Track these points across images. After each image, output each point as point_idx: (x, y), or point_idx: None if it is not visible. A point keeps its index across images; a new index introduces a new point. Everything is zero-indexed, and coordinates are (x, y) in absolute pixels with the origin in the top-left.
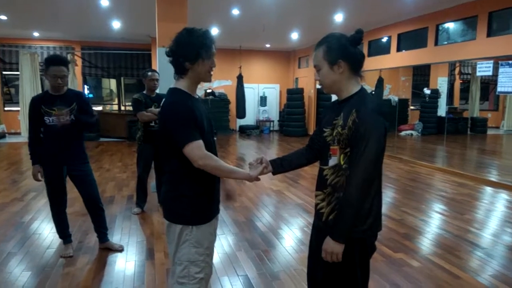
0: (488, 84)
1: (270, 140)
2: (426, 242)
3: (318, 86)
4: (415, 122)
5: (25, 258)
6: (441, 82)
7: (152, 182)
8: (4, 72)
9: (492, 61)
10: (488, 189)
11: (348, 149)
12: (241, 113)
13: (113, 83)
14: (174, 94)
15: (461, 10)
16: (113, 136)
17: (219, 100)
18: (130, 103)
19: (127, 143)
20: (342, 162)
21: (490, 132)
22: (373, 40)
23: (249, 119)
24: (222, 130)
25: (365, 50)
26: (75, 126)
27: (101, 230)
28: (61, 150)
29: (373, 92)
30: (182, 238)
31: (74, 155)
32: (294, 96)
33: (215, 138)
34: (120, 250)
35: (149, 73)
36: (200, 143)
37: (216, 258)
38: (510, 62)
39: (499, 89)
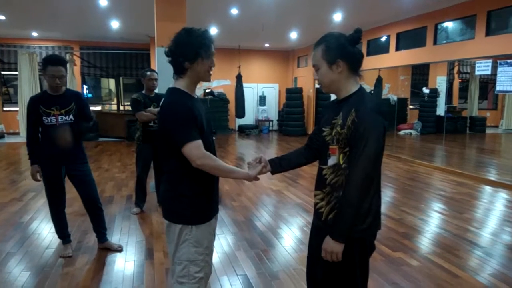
0: (487, 83)
1: (269, 139)
2: (425, 241)
3: (317, 86)
4: (414, 121)
5: (24, 258)
6: (440, 81)
7: (151, 182)
8: (2, 72)
9: (490, 60)
10: (487, 188)
11: (347, 149)
12: (240, 113)
13: (112, 83)
14: (173, 94)
15: (459, 9)
16: (112, 136)
17: (218, 100)
18: (129, 103)
19: (126, 143)
20: (341, 162)
21: (489, 131)
22: (372, 39)
23: (248, 119)
24: (221, 129)
25: (364, 50)
26: (74, 127)
27: (100, 230)
28: (60, 150)
29: (372, 92)
30: (181, 238)
31: (73, 155)
32: (293, 96)
33: (214, 138)
34: (119, 250)
35: (148, 73)
36: (199, 143)
37: (216, 258)
38: (508, 61)
39: (497, 88)
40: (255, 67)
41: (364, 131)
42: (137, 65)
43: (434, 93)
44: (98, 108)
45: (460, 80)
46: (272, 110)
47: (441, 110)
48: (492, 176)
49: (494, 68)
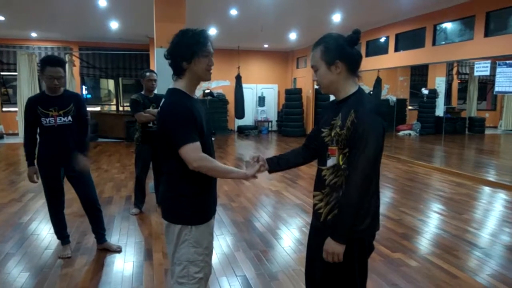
0: (486, 84)
1: (269, 140)
2: (424, 242)
3: (316, 86)
4: (413, 122)
5: (23, 259)
6: (439, 82)
7: (150, 183)
8: (2, 73)
9: (489, 61)
10: (486, 189)
11: (346, 150)
12: (240, 114)
13: (111, 83)
14: (173, 95)
15: (458, 10)
16: (111, 137)
17: (218, 101)
18: (128, 104)
19: (125, 143)
20: (341, 163)
21: (488, 132)
22: (371, 40)
23: (247, 120)
24: (220, 130)
25: (363, 50)
26: (73, 127)
27: (99, 231)
28: (59, 151)
29: (371, 92)
30: (181, 238)
31: (72, 156)
32: (292, 96)
33: (213, 139)
34: (118, 251)
35: (147, 74)
36: (196, 145)
37: (215, 259)
38: (507, 62)
39: (496, 89)
40: (255, 67)
41: (363, 132)
42: (136, 66)
43: (433, 93)
44: (97, 108)
45: (459, 81)
46: (271, 111)
47: (440, 110)
48: (491, 177)
49: (493, 69)
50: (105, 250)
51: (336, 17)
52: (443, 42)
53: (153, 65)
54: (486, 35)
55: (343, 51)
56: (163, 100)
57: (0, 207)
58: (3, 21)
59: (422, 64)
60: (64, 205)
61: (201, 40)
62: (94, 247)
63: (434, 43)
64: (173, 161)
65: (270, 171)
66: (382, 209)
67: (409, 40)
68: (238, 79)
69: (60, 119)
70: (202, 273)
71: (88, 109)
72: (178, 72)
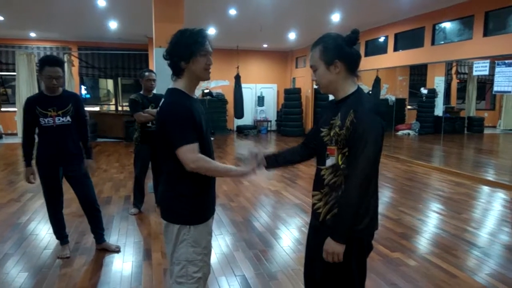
0: (485, 84)
1: (268, 140)
2: (423, 242)
3: (315, 86)
4: (412, 121)
5: (22, 259)
6: (438, 82)
7: (149, 183)
8: (0, 73)
9: (488, 61)
10: (485, 188)
11: (346, 149)
12: (239, 113)
13: (110, 83)
14: (172, 95)
15: (457, 9)
16: (110, 137)
17: (217, 100)
18: (127, 104)
19: (124, 143)
20: (340, 162)
21: (487, 131)
22: (370, 40)
23: (246, 119)
24: (219, 130)
25: (362, 50)
26: (71, 128)
27: (98, 231)
28: (57, 151)
29: (370, 92)
30: (180, 238)
31: (70, 156)
32: (291, 96)
33: (212, 139)
34: (117, 251)
35: (146, 74)
36: (193, 146)
37: (214, 258)
38: (506, 61)
39: (495, 88)
40: (254, 67)
41: (363, 132)
42: (135, 66)
43: (432, 93)
44: (96, 108)
45: (458, 81)
46: (270, 111)
47: (439, 110)
48: (490, 176)
49: (492, 68)
50: (104, 250)
51: (335, 17)
52: (442, 42)
53: (152, 65)
54: (485, 34)
55: (342, 51)
56: (162, 100)
57: None
58: (2, 21)
59: (421, 64)
60: (63, 205)
61: (199, 40)
62: (93, 247)
63: (433, 43)
64: (172, 161)
65: (267, 167)
66: (381, 208)
67: (408, 39)
68: (237, 79)
69: (59, 119)
70: (201, 273)
71: (87, 109)
72: (177, 72)
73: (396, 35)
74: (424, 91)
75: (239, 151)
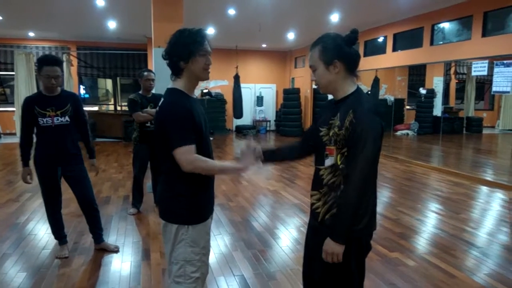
0: (483, 84)
1: (267, 140)
2: (422, 242)
3: (314, 86)
4: (411, 121)
5: (21, 259)
6: (436, 82)
7: (148, 183)
8: None
9: (487, 61)
10: (484, 189)
11: (345, 149)
12: (238, 113)
13: (109, 83)
14: (172, 94)
15: (456, 10)
16: (109, 136)
17: (216, 100)
18: (126, 103)
19: (123, 143)
20: (339, 162)
21: (485, 131)
22: (369, 40)
23: (245, 119)
24: (218, 130)
25: (361, 50)
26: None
27: (96, 231)
28: (56, 151)
29: (369, 92)
30: (178, 238)
31: (69, 156)
32: (290, 96)
33: (211, 138)
34: (116, 250)
35: (145, 73)
36: (191, 148)
37: (212, 258)
38: (505, 62)
39: (494, 88)
40: (253, 67)
41: (362, 132)
42: (134, 66)
43: (431, 93)
44: (95, 108)
45: (456, 81)
46: (269, 111)
47: (438, 110)
48: (489, 176)
49: (491, 68)
50: (102, 250)
51: (334, 17)
52: (441, 42)
53: (151, 65)
54: (484, 35)
55: (341, 51)
56: (162, 99)
57: None
58: (0, 20)
59: (420, 64)
60: (62, 205)
61: (198, 39)
62: (91, 247)
63: (432, 43)
64: (171, 160)
65: (264, 162)
66: (380, 208)
67: (407, 40)
68: (236, 78)
69: (58, 119)
70: (199, 273)
71: (86, 108)
72: (176, 72)
73: (395, 35)
74: (423, 91)
75: (238, 151)
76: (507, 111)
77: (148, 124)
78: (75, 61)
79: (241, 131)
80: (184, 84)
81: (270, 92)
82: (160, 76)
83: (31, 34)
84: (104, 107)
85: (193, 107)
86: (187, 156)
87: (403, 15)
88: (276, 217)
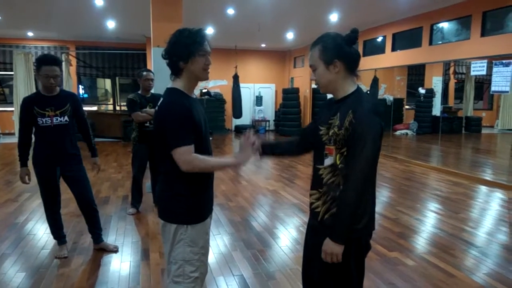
0: (482, 84)
1: (266, 139)
2: (421, 241)
3: (313, 86)
4: (410, 121)
5: (20, 259)
6: (435, 82)
7: (147, 183)
8: None
9: (486, 61)
10: (483, 188)
11: (344, 149)
12: (237, 113)
13: (108, 83)
14: (171, 94)
15: (455, 9)
16: (108, 136)
17: (215, 100)
18: (125, 103)
19: (122, 143)
20: (338, 162)
21: (484, 131)
22: (368, 40)
23: (244, 119)
24: (217, 130)
25: (360, 50)
26: (69, 127)
27: (95, 231)
28: (55, 151)
29: (368, 92)
30: (177, 237)
31: (68, 156)
32: (289, 96)
33: (210, 138)
34: (115, 250)
35: (144, 73)
36: (189, 148)
37: (212, 258)
38: (503, 61)
39: (493, 88)
40: (252, 67)
41: (362, 133)
42: (133, 65)
43: (430, 93)
44: (94, 108)
45: (455, 81)
46: (268, 110)
47: (437, 110)
48: (488, 176)
49: (490, 68)
50: (101, 250)
51: (333, 17)
52: (440, 42)
53: (150, 65)
54: (483, 34)
55: (341, 51)
56: (161, 99)
57: None
58: None
59: (419, 64)
60: (61, 205)
61: (197, 40)
62: (90, 247)
63: (431, 43)
64: (170, 160)
65: (262, 155)
66: (379, 208)
67: (406, 39)
68: (236, 78)
69: (57, 119)
70: (198, 273)
71: (85, 108)
72: (175, 72)
73: (394, 35)
74: (422, 91)
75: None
76: (506, 111)
77: (147, 124)
78: (74, 61)
79: (240, 131)
80: (184, 84)
81: (269, 92)
82: (159, 76)
83: (30, 34)
84: (103, 107)
85: (192, 106)
86: (185, 156)
87: (402, 15)
88: (275, 217)
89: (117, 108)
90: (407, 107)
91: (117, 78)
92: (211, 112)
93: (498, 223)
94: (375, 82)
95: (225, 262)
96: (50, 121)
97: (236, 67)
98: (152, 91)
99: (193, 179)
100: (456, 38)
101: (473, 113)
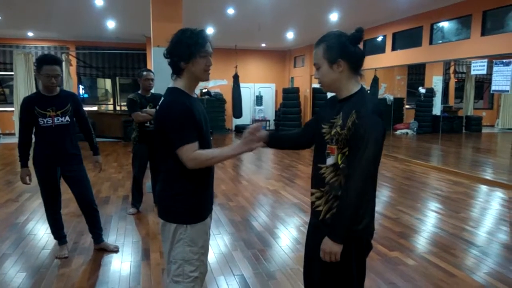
0: (483, 83)
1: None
2: (422, 241)
3: (313, 86)
4: (410, 121)
5: (20, 259)
6: (436, 81)
7: (147, 182)
8: None
9: (486, 60)
10: (483, 187)
11: (346, 149)
12: (238, 113)
13: (108, 83)
14: (172, 94)
15: (455, 9)
16: (109, 136)
17: (215, 100)
18: (125, 103)
19: (122, 143)
20: (339, 162)
21: (484, 130)
22: (368, 39)
23: (245, 119)
24: (218, 129)
25: None
26: (70, 127)
27: (96, 231)
28: (55, 151)
29: (369, 91)
30: (176, 237)
31: (68, 156)
32: (290, 96)
33: (211, 138)
34: (116, 250)
35: (144, 73)
36: (193, 145)
37: (212, 258)
38: (504, 60)
39: (493, 87)
40: (252, 67)
41: (364, 133)
42: (133, 65)
43: (430, 92)
44: (95, 108)
45: (456, 80)
46: (269, 110)
47: (437, 109)
48: (488, 175)
49: (490, 67)
50: (102, 250)
51: (333, 16)
52: (440, 41)
53: (150, 65)
54: (483, 34)
55: (345, 50)
56: (162, 98)
57: None
58: None
59: (419, 63)
60: (61, 205)
61: (199, 41)
62: (91, 247)
63: (431, 42)
64: (170, 160)
65: (269, 145)
66: (380, 208)
67: (406, 39)
68: (236, 78)
69: (58, 119)
70: (198, 272)
71: (85, 108)
72: (176, 72)
73: (394, 35)
74: (422, 90)
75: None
76: (506, 110)
77: (148, 124)
78: (74, 61)
79: (240, 130)
80: (185, 84)
81: (269, 91)
82: (160, 76)
83: (30, 34)
84: (103, 107)
85: (193, 106)
86: (188, 154)
87: (402, 14)
88: (276, 216)
89: (117, 108)
90: (407, 106)
91: (117, 78)
92: (211, 112)
93: (499, 223)
94: (375, 82)
95: (225, 261)
96: (51, 121)
97: (236, 66)
98: (152, 91)
99: (193, 178)
100: (456, 38)
101: (474, 113)
